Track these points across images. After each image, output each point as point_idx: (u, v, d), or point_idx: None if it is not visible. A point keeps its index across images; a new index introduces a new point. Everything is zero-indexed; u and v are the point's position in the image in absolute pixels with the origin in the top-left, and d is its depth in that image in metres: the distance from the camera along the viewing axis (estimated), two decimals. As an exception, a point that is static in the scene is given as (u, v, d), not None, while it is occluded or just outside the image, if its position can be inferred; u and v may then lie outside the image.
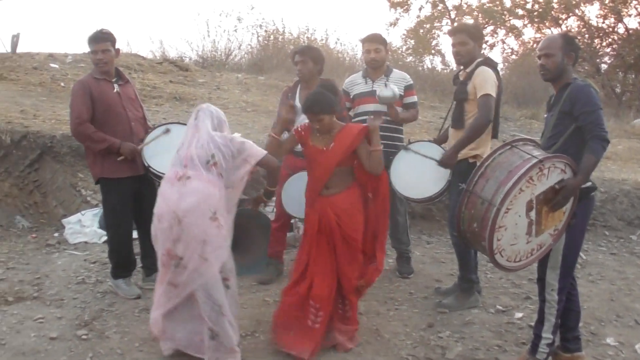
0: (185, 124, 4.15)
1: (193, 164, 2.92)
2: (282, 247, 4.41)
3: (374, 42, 4.24)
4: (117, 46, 3.83)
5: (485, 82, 3.54)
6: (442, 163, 3.60)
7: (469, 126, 3.57)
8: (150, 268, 4.02)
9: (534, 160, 2.63)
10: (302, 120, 3.59)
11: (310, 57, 4.11)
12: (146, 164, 3.75)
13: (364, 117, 4.18)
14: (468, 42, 3.66)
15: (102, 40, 3.73)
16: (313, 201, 3.28)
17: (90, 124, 3.66)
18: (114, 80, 3.84)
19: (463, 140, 3.55)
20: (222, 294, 2.92)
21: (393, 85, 4.04)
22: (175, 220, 2.82)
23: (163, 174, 3.59)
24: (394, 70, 4.34)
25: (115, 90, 3.80)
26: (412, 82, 4.35)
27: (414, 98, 4.33)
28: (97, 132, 3.66)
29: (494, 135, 3.79)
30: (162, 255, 2.92)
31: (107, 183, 3.81)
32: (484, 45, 3.66)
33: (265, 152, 3.09)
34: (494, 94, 3.56)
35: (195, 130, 3.04)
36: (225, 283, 2.96)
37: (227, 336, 2.91)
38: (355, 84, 4.36)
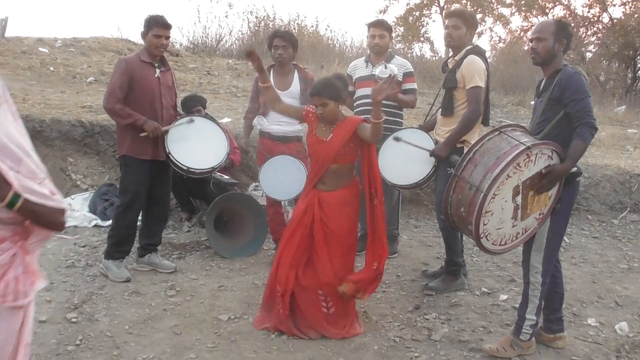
0: (211, 118, 4.23)
1: None
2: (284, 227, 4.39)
3: (380, 27, 4.20)
4: None
5: (474, 73, 3.50)
6: (434, 154, 3.55)
7: (461, 119, 3.53)
8: (145, 249, 4.01)
9: (522, 147, 2.59)
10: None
11: (291, 42, 4.08)
12: (167, 150, 3.77)
13: (364, 101, 4.17)
14: (461, 27, 3.61)
15: (169, 27, 3.77)
16: (307, 191, 3.24)
17: (120, 101, 3.66)
18: (157, 65, 3.81)
19: (456, 134, 3.52)
20: None
21: (392, 66, 3.97)
22: None
23: (178, 161, 3.77)
24: (396, 56, 4.30)
25: (156, 75, 3.78)
26: (412, 69, 4.30)
27: (413, 85, 4.28)
28: (125, 109, 3.66)
29: (484, 122, 3.74)
30: None
31: (129, 162, 3.79)
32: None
33: None
34: (483, 85, 3.53)
35: None
36: None
37: None
38: (357, 67, 4.35)
